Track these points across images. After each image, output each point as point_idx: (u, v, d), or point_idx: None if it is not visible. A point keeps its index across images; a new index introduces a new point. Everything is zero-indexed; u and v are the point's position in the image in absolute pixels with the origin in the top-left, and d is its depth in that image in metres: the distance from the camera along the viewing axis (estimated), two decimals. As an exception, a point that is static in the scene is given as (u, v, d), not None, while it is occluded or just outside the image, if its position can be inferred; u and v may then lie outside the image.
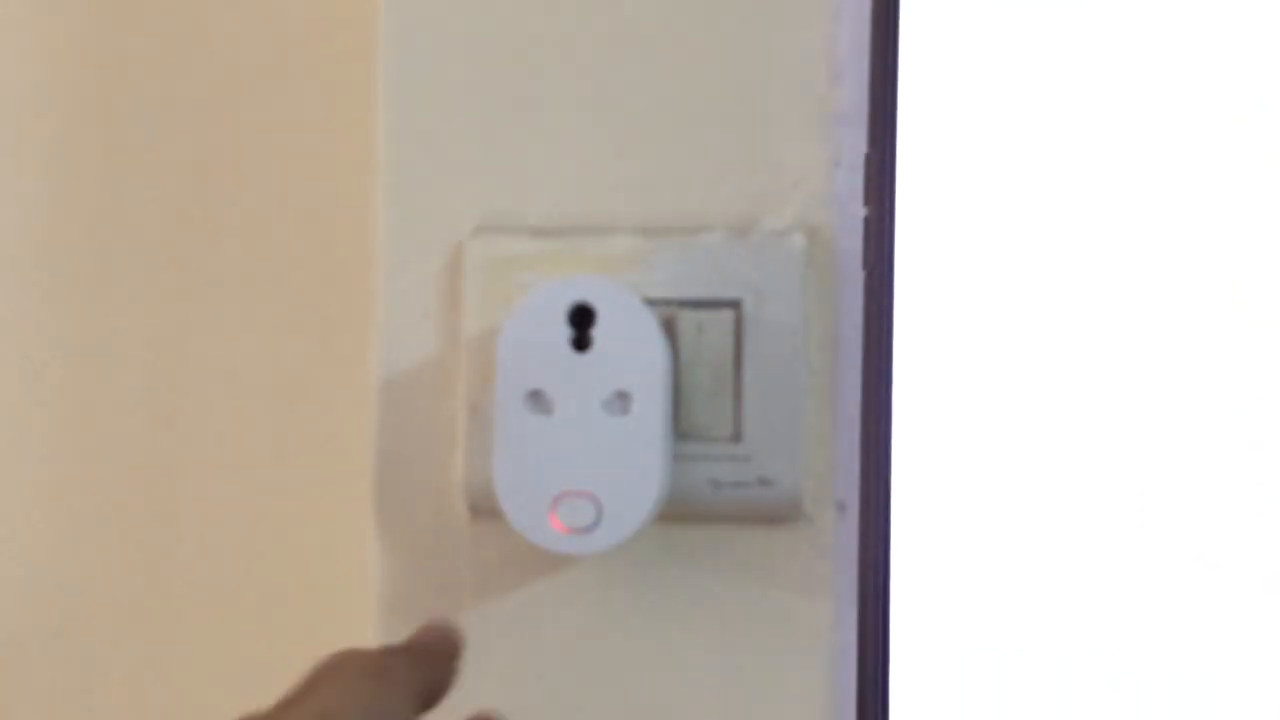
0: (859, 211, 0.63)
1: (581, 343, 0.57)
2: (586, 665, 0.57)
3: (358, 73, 0.68)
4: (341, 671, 0.47)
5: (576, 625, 0.63)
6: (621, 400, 0.57)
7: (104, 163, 0.79)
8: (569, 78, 0.64)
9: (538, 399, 0.58)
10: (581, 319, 0.58)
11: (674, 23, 0.64)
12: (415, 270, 0.65)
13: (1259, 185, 0.76)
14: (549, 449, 0.57)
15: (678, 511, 0.61)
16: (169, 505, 0.79)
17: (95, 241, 0.79)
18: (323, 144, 0.76)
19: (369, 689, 0.47)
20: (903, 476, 0.65)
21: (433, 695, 0.51)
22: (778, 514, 0.62)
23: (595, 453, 0.57)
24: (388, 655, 0.50)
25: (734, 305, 0.62)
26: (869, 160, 0.62)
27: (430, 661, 0.51)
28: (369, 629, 0.63)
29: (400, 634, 0.53)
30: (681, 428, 0.62)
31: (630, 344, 0.57)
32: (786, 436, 0.62)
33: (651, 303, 0.60)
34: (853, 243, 0.63)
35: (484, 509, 0.62)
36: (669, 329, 0.61)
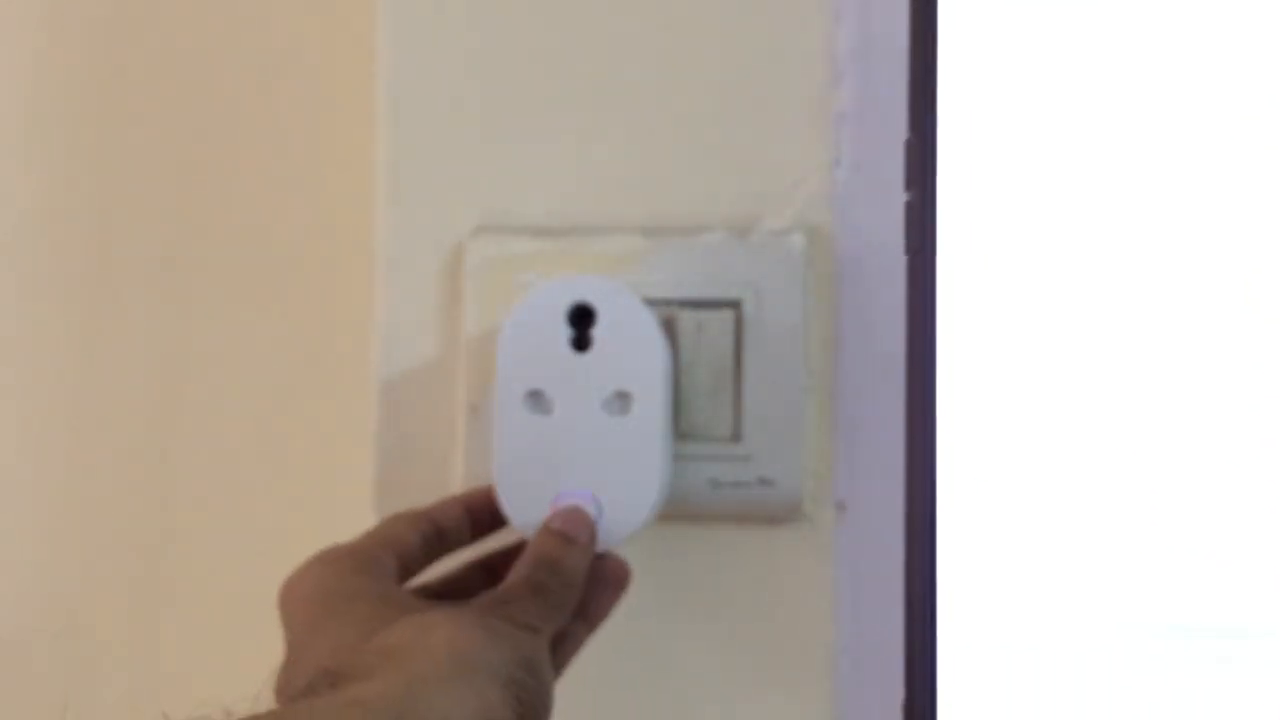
0: (859, 210, 0.63)
1: (581, 343, 0.57)
2: (586, 664, 0.57)
3: (358, 73, 0.68)
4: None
5: (576, 625, 0.63)
6: (621, 400, 0.57)
7: (104, 163, 0.79)
8: (569, 78, 0.64)
9: (538, 399, 0.57)
10: (581, 319, 0.57)
11: (674, 24, 0.64)
12: (415, 270, 0.65)
13: (1271, 184, 0.76)
14: (549, 449, 0.57)
15: (678, 511, 0.61)
16: (169, 505, 0.79)
17: (95, 241, 0.79)
18: (323, 144, 0.76)
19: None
20: (945, 470, 0.64)
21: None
22: (778, 514, 0.62)
23: (595, 453, 0.57)
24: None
25: (734, 305, 0.62)
26: (909, 145, 0.62)
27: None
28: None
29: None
30: (681, 428, 0.62)
31: (630, 344, 0.57)
32: (786, 436, 0.62)
33: (651, 303, 0.60)
34: (853, 243, 0.63)
35: (484, 509, 0.62)
36: (669, 329, 0.61)
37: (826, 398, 0.62)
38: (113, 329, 0.79)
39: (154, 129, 0.79)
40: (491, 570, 0.58)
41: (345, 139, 0.74)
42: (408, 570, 0.55)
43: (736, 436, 0.62)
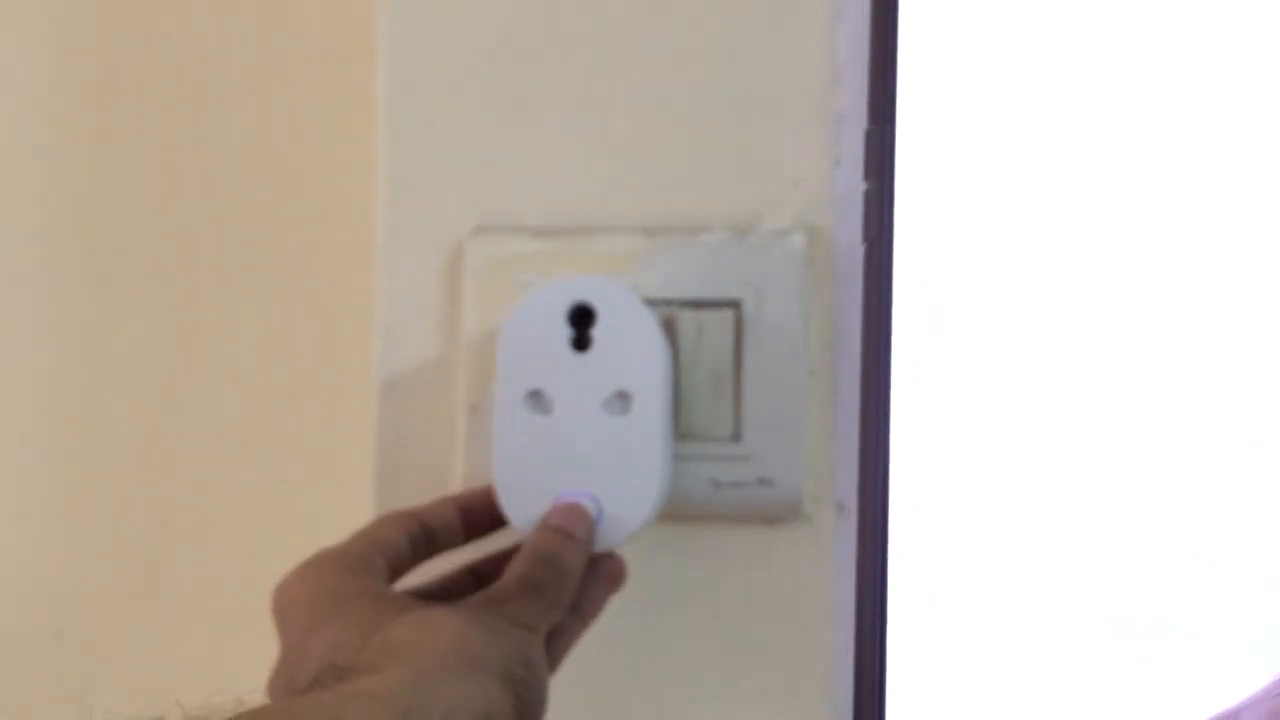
0: (859, 210, 0.63)
1: (581, 343, 0.57)
2: (586, 664, 0.57)
3: (358, 73, 0.68)
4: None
5: (576, 625, 0.63)
6: (621, 400, 0.57)
7: (104, 163, 0.79)
8: (569, 78, 0.64)
9: (537, 399, 0.57)
10: (581, 319, 0.57)
11: (674, 24, 0.63)
12: (415, 270, 0.65)
13: (1259, 186, 0.76)
14: (549, 449, 0.57)
15: (678, 511, 0.61)
16: (169, 505, 0.79)
17: (96, 241, 0.79)
18: (323, 144, 0.76)
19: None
20: (901, 470, 0.65)
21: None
22: (778, 514, 0.62)
23: (595, 453, 0.57)
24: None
25: (734, 305, 0.62)
26: (869, 135, 0.62)
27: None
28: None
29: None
30: (681, 428, 0.62)
31: (630, 344, 0.57)
32: (786, 436, 0.62)
33: (651, 303, 0.60)
34: (853, 243, 0.63)
35: (484, 509, 0.62)
36: (669, 329, 0.61)
37: (826, 398, 0.62)
38: (113, 329, 0.79)
39: (154, 129, 0.79)
40: (481, 576, 0.58)
41: (345, 139, 0.74)
42: (396, 571, 0.55)
43: (736, 436, 0.62)
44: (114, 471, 0.79)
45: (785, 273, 0.62)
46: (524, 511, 0.57)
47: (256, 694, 0.49)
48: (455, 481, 0.64)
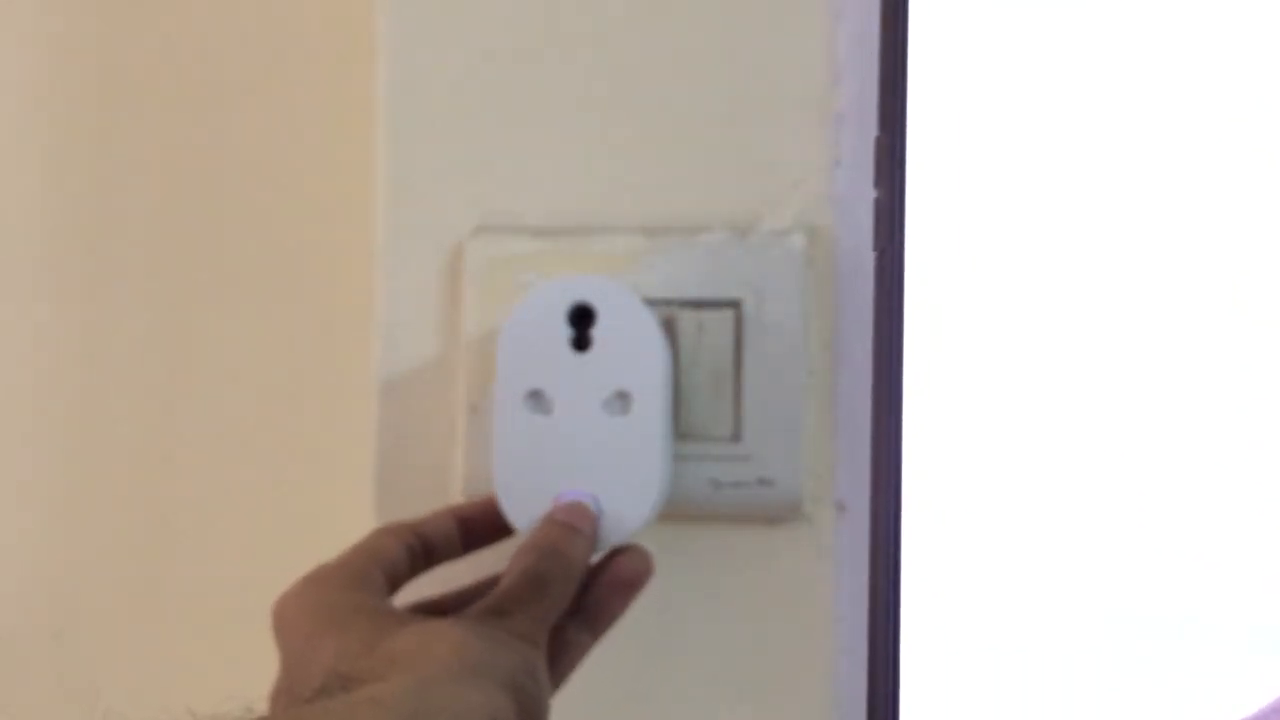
0: (859, 210, 0.63)
1: (581, 343, 0.57)
2: (586, 664, 0.57)
3: (358, 73, 0.68)
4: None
5: (576, 625, 0.63)
6: (621, 400, 0.57)
7: (104, 163, 0.79)
8: (569, 78, 0.64)
9: (537, 399, 0.57)
10: (581, 319, 0.57)
11: (674, 24, 0.63)
12: (415, 270, 0.65)
13: (1259, 186, 0.76)
14: (549, 449, 0.57)
15: (678, 511, 0.61)
16: (169, 505, 0.79)
17: (95, 241, 0.79)
18: (323, 144, 0.76)
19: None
20: (911, 470, 0.65)
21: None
22: (778, 514, 0.62)
23: (595, 453, 0.57)
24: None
25: (734, 305, 0.62)
26: (879, 143, 0.62)
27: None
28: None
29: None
30: (681, 428, 0.61)
31: (630, 344, 0.57)
32: (786, 436, 0.62)
33: (651, 303, 0.60)
34: (854, 243, 0.63)
35: (484, 509, 0.62)
36: (669, 329, 0.61)
37: (826, 398, 0.62)
38: (113, 329, 0.79)
39: (154, 129, 0.79)
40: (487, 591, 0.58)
41: (345, 139, 0.74)
42: (394, 583, 0.55)
43: (736, 436, 0.62)
44: (114, 471, 0.79)
45: (785, 273, 0.62)
46: (524, 512, 0.57)
47: (262, 700, 0.49)
48: (455, 482, 0.64)
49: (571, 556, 0.54)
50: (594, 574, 0.56)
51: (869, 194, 0.63)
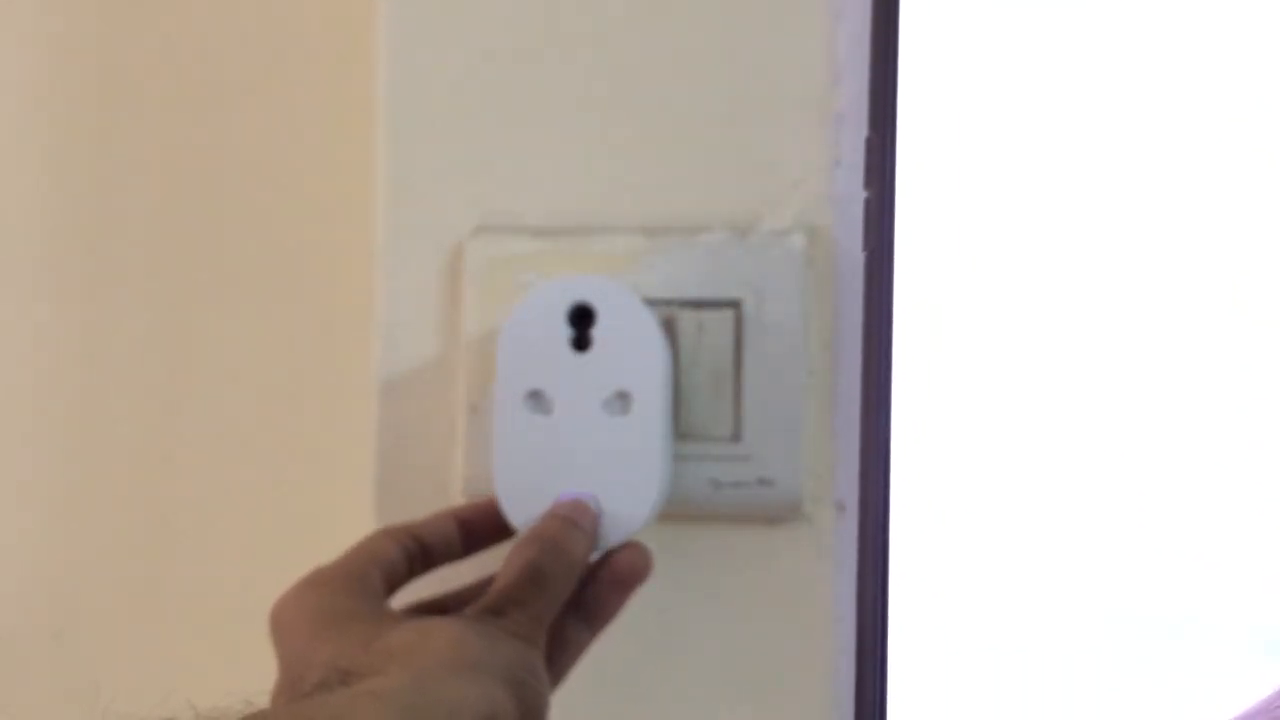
0: (859, 210, 0.63)
1: (581, 343, 0.57)
2: (585, 664, 0.57)
3: (358, 73, 0.68)
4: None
5: (576, 625, 0.63)
6: (621, 400, 0.57)
7: (104, 163, 0.79)
8: (569, 78, 0.64)
9: (537, 399, 0.57)
10: (581, 319, 0.57)
11: (673, 24, 0.63)
12: (415, 270, 0.65)
13: (1259, 186, 0.76)
14: (549, 449, 0.57)
15: (678, 511, 0.61)
16: (169, 505, 0.79)
17: (95, 241, 0.79)
18: (323, 144, 0.76)
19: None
20: (901, 470, 0.65)
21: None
22: (778, 514, 0.62)
23: (595, 453, 0.57)
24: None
25: (734, 305, 0.62)
26: (870, 144, 0.62)
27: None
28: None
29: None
30: (681, 428, 0.62)
31: (630, 344, 0.57)
32: (786, 436, 0.62)
33: (651, 303, 0.60)
34: (853, 243, 0.63)
35: (484, 509, 0.61)
36: (669, 329, 0.61)
37: (826, 398, 0.62)
38: (113, 329, 0.79)
39: (154, 128, 0.79)
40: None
41: (345, 139, 0.74)
42: (391, 585, 0.55)
43: (736, 436, 0.62)
44: (114, 471, 0.79)
45: (785, 273, 0.62)
46: (524, 512, 0.57)
47: (263, 695, 0.49)
48: (455, 482, 0.64)
49: (572, 552, 0.54)
50: (593, 570, 0.56)
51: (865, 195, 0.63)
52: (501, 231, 0.64)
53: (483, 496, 0.59)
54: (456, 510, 0.59)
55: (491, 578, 0.57)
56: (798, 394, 0.62)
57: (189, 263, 0.78)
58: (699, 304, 0.62)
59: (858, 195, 0.63)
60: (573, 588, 0.54)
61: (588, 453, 0.57)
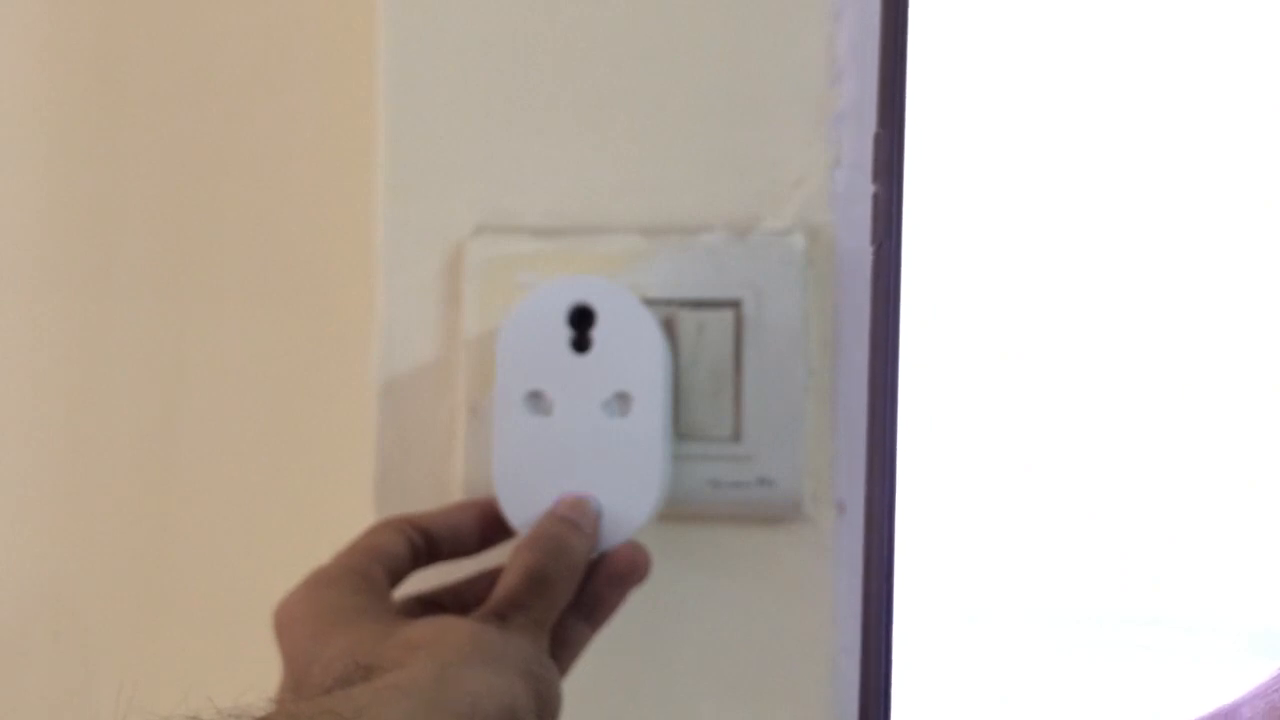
0: (859, 210, 0.63)
1: (581, 343, 0.57)
2: (585, 664, 0.57)
3: (358, 73, 0.68)
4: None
5: (576, 625, 0.63)
6: (621, 401, 0.57)
7: (104, 163, 0.79)
8: (569, 78, 0.64)
9: (537, 400, 0.57)
10: (581, 319, 0.57)
11: (673, 24, 0.63)
12: (415, 270, 0.65)
13: (1259, 188, 0.76)
14: (549, 450, 0.57)
15: (678, 511, 0.61)
16: (169, 505, 0.79)
17: (95, 241, 0.79)
18: (323, 144, 0.76)
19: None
20: (910, 467, 0.65)
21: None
22: (778, 514, 0.62)
23: (595, 454, 0.57)
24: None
25: (734, 305, 0.62)
26: (878, 139, 0.62)
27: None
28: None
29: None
30: (681, 428, 0.62)
31: (630, 344, 0.57)
32: (786, 436, 0.62)
33: (651, 303, 0.59)
34: (854, 243, 0.63)
35: (484, 509, 0.61)
36: (669, 329, 0.61)
37: (826, 398, 0.62)
38: (113, 330, 0.79)
39: (154, 129, 0.79)
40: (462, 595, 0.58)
41: (345, 139, 0.74)
42: (395, 578, 0.55)
43: (736, 436, 0.62)
44: (114, 471, 0.79)
45: (785, 273, 0.62)
46: (524, 512, 0.57)
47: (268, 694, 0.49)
48: (455, 482, 0.64)
49: (572, 553, 0.54)
50: (591, 567, 0.56)
51: (869, 193, 0.63)
52: (501, 231, 0.64)
53: (483, 495, 0.59)
54: (478, 502, 0.58)
55: (486, 572, 0.57)
56: (798, 394, 0.62)
57: (189, 263, 0.78)
58: (699, 304, 0.62)
59: (859, 195, 0.63)
60: (575, 589, 0.54)
61: (588, 453, 0.57)
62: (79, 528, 0.80)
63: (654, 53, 0.64)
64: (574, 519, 0.55)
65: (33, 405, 0.80)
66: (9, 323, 0.80)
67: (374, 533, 0.56)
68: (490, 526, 0.58)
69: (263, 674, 0.51)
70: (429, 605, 0.56)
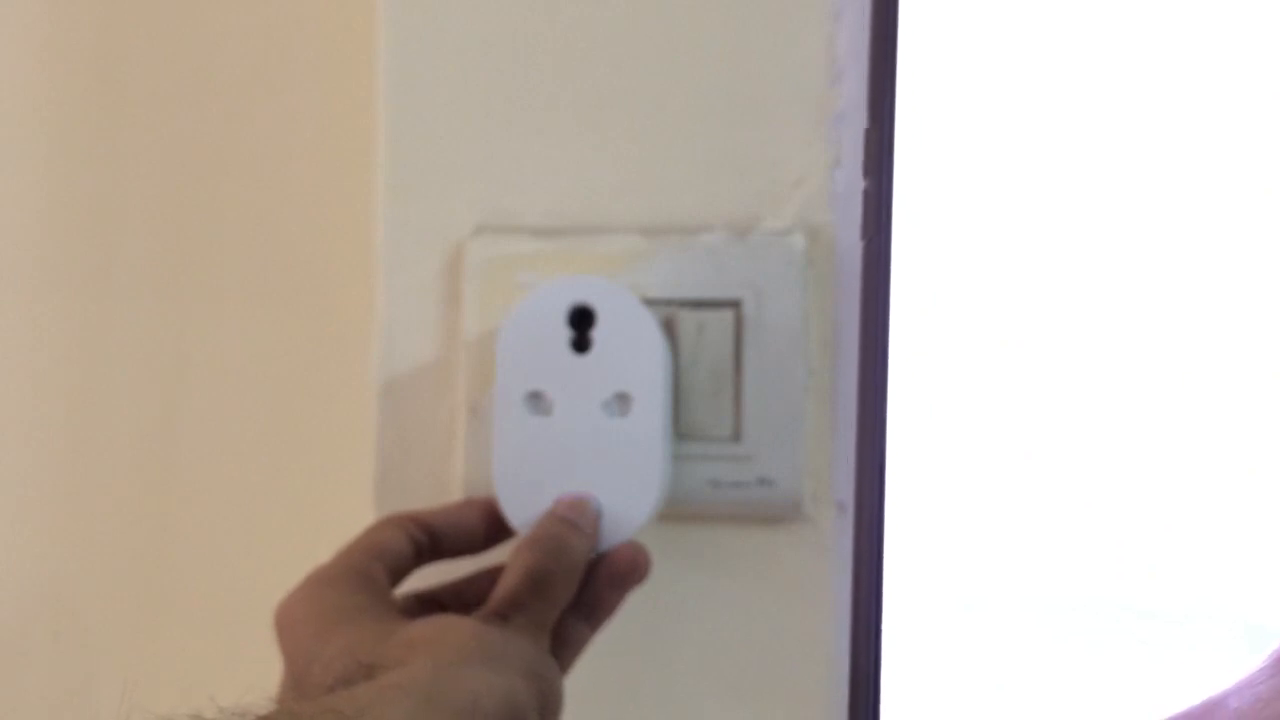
0: (859, 209, 0.63)
1: (581, 344, 0.57)
2: (585, 664, 0.57)
3: (358, 73, 0.68)
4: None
5: (577, 625, 0.63)
6: (621, 401, 0.57)
7: (104, 163, 0.79)
8: (569, 78, 0.64)
9: (537, 400, 0.57)
10: (581, 320, 0.57)
11: (673, 24, 0.63)
12: (415, 270, 0.65)
13: (1259, 185, 0.76)
14: (549, 450, 0.57)
15: (678, 511, 0.61)
16: (169, 505, 0.79)
17: (95, 241, 0.79)
18: (323, 144, 0.76)
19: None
20: (908, 465, 0.65)
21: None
22: (777, 514, 0.62)
23: (595, 454, 0.57)
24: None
25: (734, 305, 0.62)
26: (868, 135, 0.62)
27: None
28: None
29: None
30: (681, 428, 0.62)
31: (630, 345, 0.57)
32: (786, 436, 0.62)
33: (651, 303, 0.59)
34: (854, 242, 0.63)
35: (484, 509, 0.61)
36: (669, 329, 0.61)
37: (826, 398, 0.62)
38: (113, 329, 0.79)
39: (154, 129, 0.79)
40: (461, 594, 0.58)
41: (345, 139, 0.74)
42: (397, 575, 0.55)
43: (736, 436, 0.62)
44: (114, 471, 0.79)
45: (785, 273, 0.62)
46: (524, 513, 0.57)
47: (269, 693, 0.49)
48: (455, 482, 0.64)
49: (573, 554, 0.54)
50: (591, 567, 0.56)
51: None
52: (501, 231, 0.64)
53: (483, 496, 0.59)
54: (482, 500, 0.58)
55: (487, 571, 0.57)
56: (798, 394, 0.62)
57: (189, 263, 0.78)
58: (699, 304, 0.62)
59: (858, 194, 0.63)
60: (575, 589, 0.54)
61: (588, 454, 0.57)
62: (79, 528, 0.80)
63: (654, 53, 0.64)
64: (574, 519, 0.55)
65: (33, 405, 0.80)
66: (9, 323, 0.80)
67: (376, 530, 0.56)
68: (494, 525, 0.58)
69: (263, 674, 0.51)
70: (429, 603, 0.56)
